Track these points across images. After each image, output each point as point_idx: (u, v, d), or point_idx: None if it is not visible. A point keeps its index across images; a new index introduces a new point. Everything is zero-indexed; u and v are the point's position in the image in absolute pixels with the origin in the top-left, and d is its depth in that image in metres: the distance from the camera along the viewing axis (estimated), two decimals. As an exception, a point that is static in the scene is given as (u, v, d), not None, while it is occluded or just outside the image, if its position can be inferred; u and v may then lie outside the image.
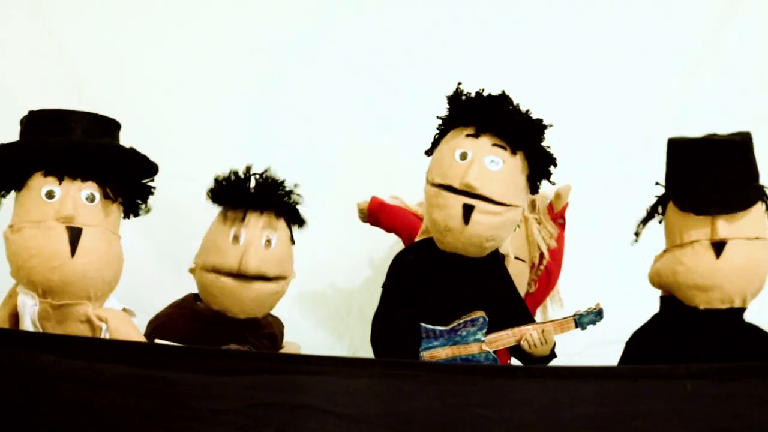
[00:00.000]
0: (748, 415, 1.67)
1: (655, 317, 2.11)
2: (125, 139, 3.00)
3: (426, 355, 2.06)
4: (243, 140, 3.27)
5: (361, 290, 3.09)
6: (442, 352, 2.05)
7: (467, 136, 2.04)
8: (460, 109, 2.08)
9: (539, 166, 2.09)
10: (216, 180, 2.26)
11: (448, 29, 3.30)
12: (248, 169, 2.25)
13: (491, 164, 2.01)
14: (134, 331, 2.02)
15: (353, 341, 3.07)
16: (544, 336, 2.05)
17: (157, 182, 3.00)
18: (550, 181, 2.14)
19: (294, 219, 2.26)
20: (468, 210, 1.97)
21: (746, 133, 2.04)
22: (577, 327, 2.13)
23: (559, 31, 3.37)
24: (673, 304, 2.03)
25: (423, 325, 2.05)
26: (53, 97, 3.05)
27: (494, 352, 2.07)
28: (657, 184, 2.13)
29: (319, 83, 3.26)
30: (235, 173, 2.25)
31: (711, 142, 2.01)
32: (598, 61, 3.38)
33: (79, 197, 1.92)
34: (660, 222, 2.12)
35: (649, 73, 3.40)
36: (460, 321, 2.05)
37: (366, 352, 2.17)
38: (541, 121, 2.07)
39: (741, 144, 2.00)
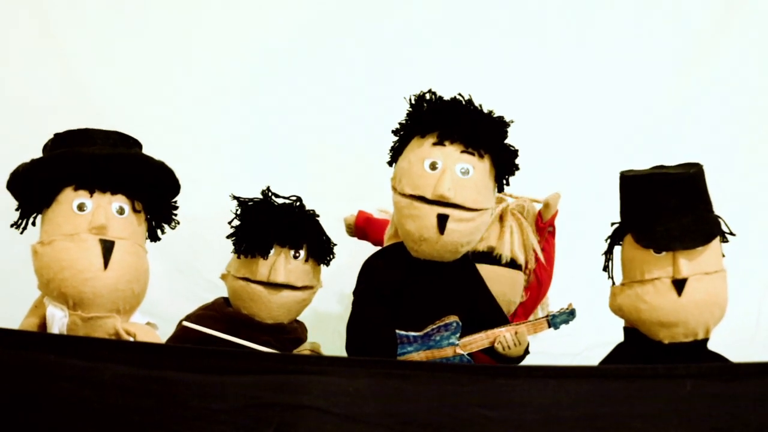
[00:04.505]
0: (748, 415, 1.67)
1: (618, 347, 2.11)
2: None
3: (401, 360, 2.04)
4: (242, 147, 3.28)
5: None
6: (416, 357, 2.05)
7: (434, 144, 2.03)
8: (424, 117, 2.07)
9: (505, 165, 2.09)
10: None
11: (440, 33, 3.31)
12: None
13: (462, 172, 2.01)
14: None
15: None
16: (517, 337, 2.05)
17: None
18: (508, 181, 2.13)
19: (317, 251, 2.31)
20: (443, 220, 1.97)
21: (697, 164, 2.05)
22: (550, 327, 2.11)
23: (554, 37, 3.38)
24: (636, 335, 2.04)
25: (397, 331, 2.04)
26: (54, 102, 3.09)
27: (468, 354, 2.07)
28: (613, 224, 2.13)
29: (310, 96, 3.29)
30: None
31: (665, 176, 2.01)
32: (595, 67, 3.38)
33: (110, 209, 1.92)
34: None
35: (645, 79, 3.40)
36: (434, 326, 2.04)
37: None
38: (502, 119, 2.07)
39: (695, 176, 2.01)
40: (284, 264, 2.26)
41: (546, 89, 3.33)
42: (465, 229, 2.01)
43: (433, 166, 2.01)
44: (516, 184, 2.62)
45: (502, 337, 2.05)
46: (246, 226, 2.28)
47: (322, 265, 2.37)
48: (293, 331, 2.35)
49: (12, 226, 1.96)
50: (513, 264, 2.47)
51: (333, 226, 2.52)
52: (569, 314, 2.13)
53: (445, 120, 2.03)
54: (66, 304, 1.87)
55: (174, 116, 3.27)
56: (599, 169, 3.27)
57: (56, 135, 2.00)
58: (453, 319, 2.05)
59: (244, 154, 3.30)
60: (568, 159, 3.29)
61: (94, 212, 1.89)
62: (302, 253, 2.29)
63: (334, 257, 2.36)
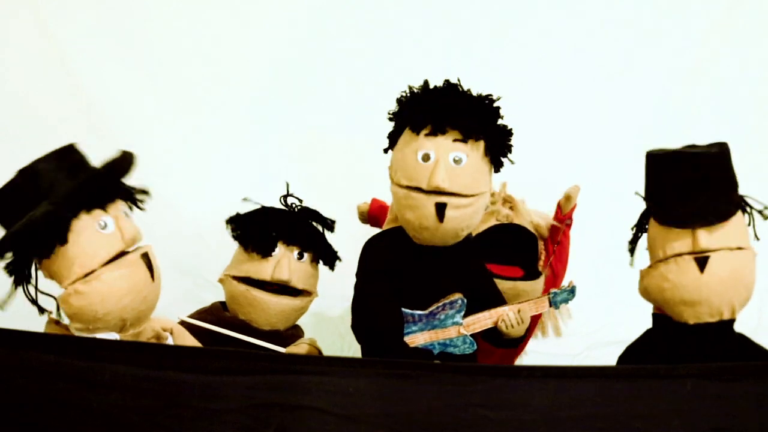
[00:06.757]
0: (748, 415, 1.67)
1: (647, 333, 2.10)
2: (133, 151, 3.00)
3: (405, 340, 2.04)
4: (249, 146, 3.29)
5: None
6: (420, 337, 2.04)
7: (426, 135, 2.00)
8: (414, 110, 2.04)
9: (498, 146, 2.05)
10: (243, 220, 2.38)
11: (443, 39, 3.32)
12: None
13: (455, 161, 1.99)
14: (189, 336, 2.09)
15: (353, 341, 3.06)
16: (520, 315, 2.04)
17: (160, 187, 2.98)
18: (510, 160, 2.09)
19: (324, 253, 2.40)
20: (441, 208, 1.96)
21: (723, 143, 2.02)
22: (551, 306, 2.11)
23: (560, 37, 3.38)
24: (665, 320, 2.02)
25: (402, 309, 2.04)
26: (54, 104, 3.09)
27: (471, 335, 2.06)
28: (637, 193, 2.12)
29: (311, 97, 3.29)
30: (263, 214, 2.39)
31: (687, 154, 2.00)
32: (604, 65, 3.38)
33: (123, 217, 1.89)
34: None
35: (651, 79, 3.40)
36: (439, 304, 2.03)
37: (366, 352, 2.17)
38: (492, 101, 2.03)
39: (718, 155, 1.99)
40: (288, 264, 2.30)
41: (552, 89, 3.33)
42: (464, 214, 2.00)
43: (425, 158, 1.99)
44: (521, 179, 2.62)
45: (506, 315, 2.04)
46: (252, 226, 2.34)
47: (326, 268, 2.42)
48: (289, 338, 2.36)
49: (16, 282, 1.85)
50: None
51: (336, 226, 2.53)
52: (570, 292, 2.12)
53: (434, 111, 2.00)
54: (123, 326, 1.85)
55: (174, 117, 3.27)
56: (603, 168, 3.28)
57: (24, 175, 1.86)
58: (458, 296, 2.04)
59: (245, 155, 3.30)
60: (573, 157, 3.29)
61: (120, 227, 1.85)
62: (306, 256, 2.36)
63: (340, 261, 2.42)
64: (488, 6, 3.37)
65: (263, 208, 2.40)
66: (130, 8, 3.23)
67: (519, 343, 2.15)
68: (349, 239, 2.80)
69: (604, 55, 3.38)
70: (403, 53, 3.31)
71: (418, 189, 1.99)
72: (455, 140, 1.99)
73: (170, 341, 1.99)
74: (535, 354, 2.74)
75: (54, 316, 1.89)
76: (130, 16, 3.24)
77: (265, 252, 2.31)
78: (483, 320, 2.06)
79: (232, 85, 3.30)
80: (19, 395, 1.66)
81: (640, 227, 2.12)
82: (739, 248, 1.94)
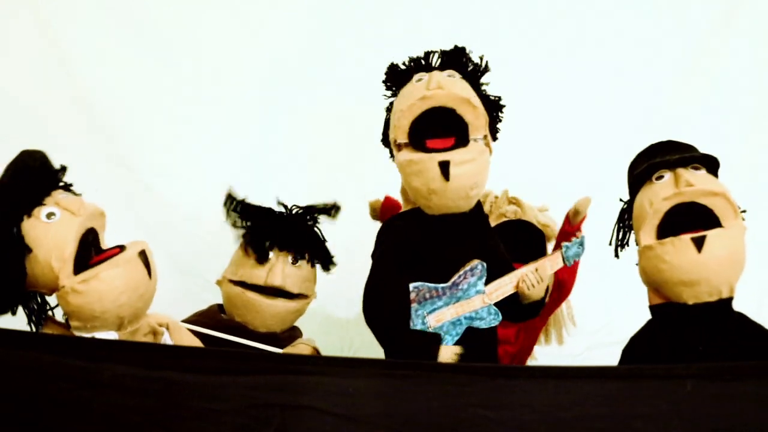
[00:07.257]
0: (748, 415, 1.67)
1: (648, 323, 2.11)
2: (133, 151, 3.00)
3: (432, 318, 2.03)
4: (249, 145, 3.29)
5: (360, 290, 3.08)
6: (447, 313, 2.03)
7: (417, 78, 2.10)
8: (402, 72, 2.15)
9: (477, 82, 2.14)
10: (245, 212, 2.40)
11: (442, 33, 3.31)
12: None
13: (448, 77, 2.06)
14: (186, 331, 2.10)
15: (353, 341, 3.08)
16: (539, 274, 2.06)
17: (162, 187, 3.01)
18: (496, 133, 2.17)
19: (319, 258, 2.42)
20: (445, 166, 1.97)
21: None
22: (564, 262, 2.12)
23: (557, 36, 3.38)
24: (663, 309, 2.03)
25: (425, 284, 2.03)
26: (55, 106, 3.09)
27: (495, 304, 2.06)
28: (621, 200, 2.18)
29: (317, 86, 3.28)
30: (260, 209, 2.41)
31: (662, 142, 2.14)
32: (599, 66, 3.38)
33: (63, 198, 1.86)
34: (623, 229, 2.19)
35: (648, 79, 3.40)
36: (459, 273, 2.03)
37: (366, 352, 2.17)
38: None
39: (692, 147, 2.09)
40: (282, 269, 2.32)
41: (551, 89, 3.33)
42: (469, 170, 2.00)
43: (419, 81, 2.07)
44: (521, 180, 2.62)
45: (525, 276, 2.06)
46: (248, 231, 2.36)
47: (323, 272, 2.43)
48: (286, 339, 2.36)
49: None
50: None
51: (338, 229, 2.53)
52: (579, 245, 2.14)
53: (420, 62, 2.14)
54: (121, 325, 1.85)
55: (176, 118, 3.27)
56: (602, 169, 3.27)
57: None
58: (476, 262, 2.04)
59: (246, 155, 3.30)
60: (572, 156, 3.29)
61: (64, 206, 1.83)
62: (300, 260, 2.36)
63: (335, 265, 2.43)
64: (488, 6, 3.37)
65: (260, 210, 2.40)
66: (130, 8, 3.23)
67: (540, 309, 2.15)
68: (349, 241, 2.82)
69: (602, 54, 3.38)
70: (402, 52, 3.31)
71: (419, 143, 2.01)
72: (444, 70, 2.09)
73: (166, 335, 1.99)
74: (535, 354, 2.75)
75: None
76: (130, 16, 3.25)
77: (260, 259, 2.33)
78: (504, 285, 2.06)
79: (236, 87, 3.30)
80: (19, 395, 1.66)
81: (622, 218, 2.18)
82: (720, 192, 1.98)
